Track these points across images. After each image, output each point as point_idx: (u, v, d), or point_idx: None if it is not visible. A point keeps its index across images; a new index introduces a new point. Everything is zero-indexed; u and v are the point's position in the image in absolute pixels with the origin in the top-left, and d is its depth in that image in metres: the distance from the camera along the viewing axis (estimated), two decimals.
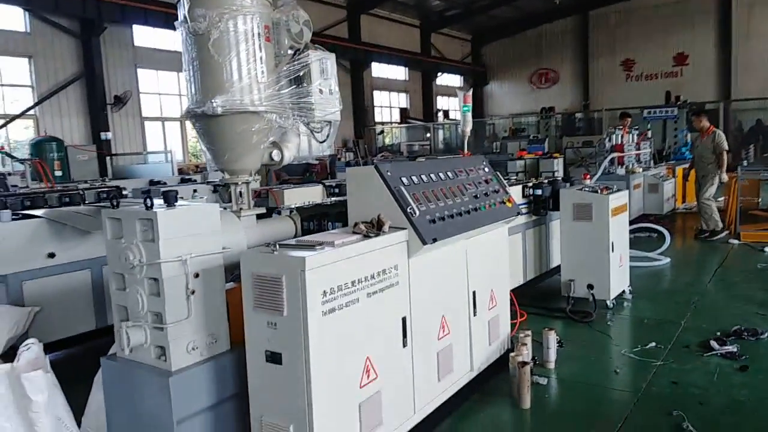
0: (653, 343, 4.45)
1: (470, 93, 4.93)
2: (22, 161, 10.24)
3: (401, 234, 2.94)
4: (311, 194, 5.71)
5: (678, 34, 24.87)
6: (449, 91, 28.19)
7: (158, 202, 2.65)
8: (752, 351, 4.23)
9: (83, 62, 14.49)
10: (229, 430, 2.73)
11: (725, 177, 8.74)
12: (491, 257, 3.83)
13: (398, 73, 25.75)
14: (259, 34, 3.13)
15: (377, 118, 25.16)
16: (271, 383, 2.50)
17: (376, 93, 24.74)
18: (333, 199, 4.85)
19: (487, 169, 3.94)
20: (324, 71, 3.44)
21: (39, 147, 12.12)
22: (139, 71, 15.91)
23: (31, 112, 13.98)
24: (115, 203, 2.82)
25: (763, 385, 3.70)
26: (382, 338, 2.81)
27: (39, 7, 13.37)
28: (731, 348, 4.24)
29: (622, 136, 10.11)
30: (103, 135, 14.60)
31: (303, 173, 15.33)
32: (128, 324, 2.59)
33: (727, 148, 8.67)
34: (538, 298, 5.59)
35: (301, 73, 3.36)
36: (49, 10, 13.50)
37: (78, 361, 4.22)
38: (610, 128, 11.16)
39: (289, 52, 3.38)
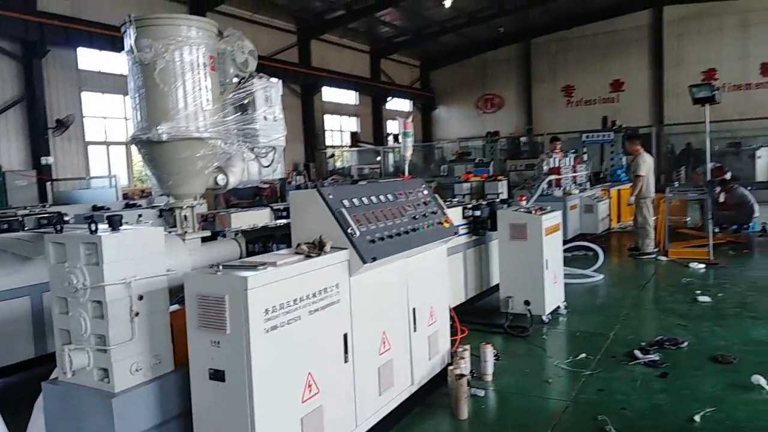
0: (584, 355, 4.73)
1: (410, 119, 5.19)
2: None
3: (342, 254, 3.10)
4: (258, 217, 5.82)
5: (614, 62, 26.28)
6: (397, 116, 28.73)
7: (102, 226, 2.73)
8: (672, 359, 4.56)
9: (24, 85, 14.11)
10: None
11: (632, 199, 9.22)
12: (430, 275, 4.02)
13: (349, 97, 26.12)
14: (204, 64, 3.26)
15: (328, 142, 25.37)
16: (215, 400, 2.59)
17: (326, 117, 24.98)
18: (279, 221, 4.96)
19: (425, 192, 4.15)
20: (269, 99, 3.59)
21: None
22: (84, 94, 15.59)
23: None
24: (58, 228, 2.87)
25: (680, 390, 4.00)
26: (323, 354, 2.94)
27: None
28: (654, 357, 4.56)
29: (559, 160, 10.63)
30: (43, 160, 14.17)
31: (252, 197, 15.32)
32: (71, 347, 2.63)
33: (641, 173, 9.03)
34: (479, 315, 5.81)
35: (246, 101, 3.51)
36: None
37: (17, 390, 4.16)
38: (542, 154, 11.70)
39: (235, 80, 3.53)
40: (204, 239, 3.55)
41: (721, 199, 9.81)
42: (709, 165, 9.72)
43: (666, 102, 25.22)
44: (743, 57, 24.00)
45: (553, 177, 10.05)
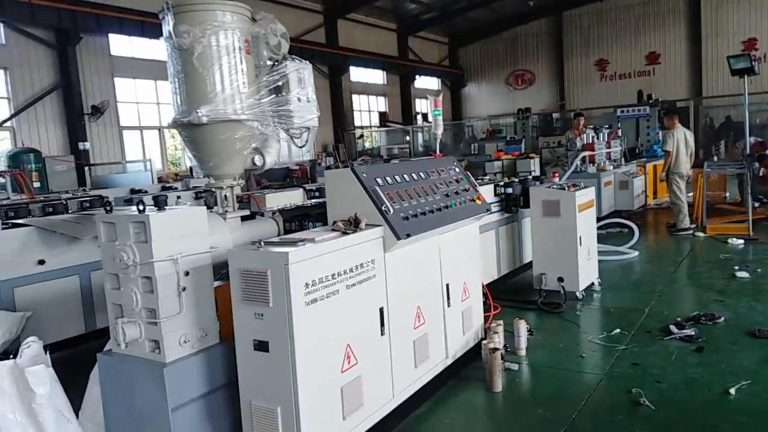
0: (618, 330, 4.74)
1: (440, 98, 5.19)
2: (1, 173, 10.30)
3: (377, 230, 3.17)
4: (292, 198, 5.93)
5: (649, 34, 25.56)
6: (427, 94, 28.53)
7: (148, 206, 2.86)
8: (708, 334, 4.54)
9: (60, 72, 14.50)
10: (221, 415, 2.94)
11: (662, 176, 9.19)
12: (463, 252, 4.08)
13: (376, 76, 26.02)
14: (239, 47, 3.34)
15: (356, 122, 25.38)
16: (259, 369, 2.72)
17: (354, 97, 24.98)
18: (313, 201, 5.06)
19: (457, 169, 4.19)
20: (301, 80, 3.66)
21: (16, 158, 12.16)
22: (117, 80, 15.94)
23: (8, 123, 13.95)
24: (107, 209, 3.01)
25: (716, 364, 4.00)
26: (361, 327, 3.04)
27: (14, 18, 13.37)
28: (689, 332, 4.54)
29: (592, 136, 10.47)
30: (81, 145, 14.61)
31: (283, 179, 15.52)
32: (123, 320, 2.78)
33: (668, 149, 8.93)
34: (512, 292, 5.86)
35: (280, 83, 3.57)
36: (24, 22, 13.51)
37: (69, 364, 4.38)
38: (568, 131, 11.57)
39: (269, 63, 3.60)
40: (243, 218, 3.66)
41: (761, 173, 9.56)
42: (750, 139, 9.45)
43: (704, 74, 24.45)
44: None
45: (586, 153, 9.90)
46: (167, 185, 10.38)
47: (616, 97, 24.95)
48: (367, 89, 25.78)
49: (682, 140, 8.99)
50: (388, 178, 3.45)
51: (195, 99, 3.26)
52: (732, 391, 3.55)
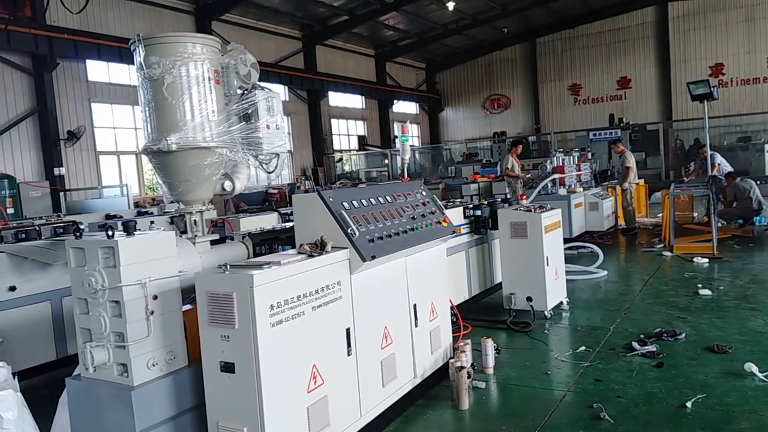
0: (583, 347, 4.87)
1: (408, 124, 5.35)
2: None
3: (343, 253, 3.27)
4: (266, 221, 6.00)
5: (621, 59, 26.36)
6: (406, 118, 28.94)
7: (118, 232, 2.93)
8: (669, 350, 4.69)
9: (36, 98, 14.47)
10: None
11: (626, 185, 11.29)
12: (430, 273, 4.19)
13: (355, 101, 26.33)
14: (209, 78, 3.47)
15: (336, 146, 25.58)
16: (226, 391, 2.78)
17: (333, 121, 25.21)
18: (286, 224, 5.14)
19: (423, 193, 4.32)
20: (270, 108, 3.79)
21: None
22: (94, 105, 15.92)
23: None
24: (77, 234, 3.07)
25: (674, 378, 4.13)
26: (327, 347, 3.12)
27: None
28: (651, 348, 4.69)
29: (563, 159, 10.78)
30: (56, 171, 14.51)
31: (262, 202, 15.60)
32: (92, 344, 2.82)
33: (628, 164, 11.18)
34: (483, 312, 5.97)
35: (250, 111, 3.70)
36: (0, 48, 13.50)
37: (40, 390, 4.37)
38: (508, 155, 12.12)
39: (239, 91, 3.72)
40: (213, 242, 3.74)
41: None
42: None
43: (674, 98, 25.22)
44: (750, 51, 24.01)
45: (556, 176, 10.17)
46: (143, 210, 10.35)
47: (589, 121, 25.68)
48: (346, 113, 26.06)
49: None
50: (354, 202, 3.57)
51: (165, 127, 3.36)
52: (688, 404, 3.68)
